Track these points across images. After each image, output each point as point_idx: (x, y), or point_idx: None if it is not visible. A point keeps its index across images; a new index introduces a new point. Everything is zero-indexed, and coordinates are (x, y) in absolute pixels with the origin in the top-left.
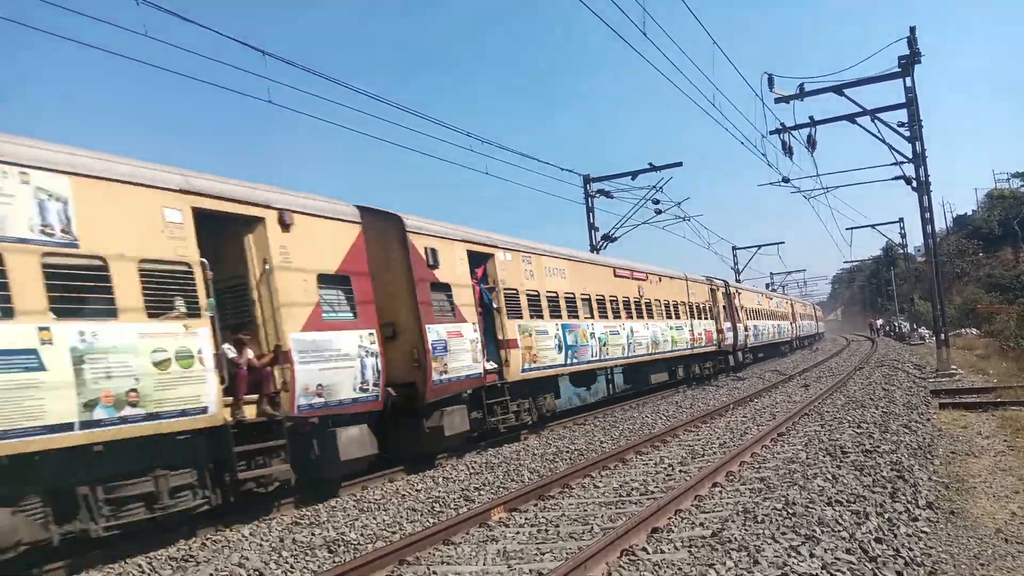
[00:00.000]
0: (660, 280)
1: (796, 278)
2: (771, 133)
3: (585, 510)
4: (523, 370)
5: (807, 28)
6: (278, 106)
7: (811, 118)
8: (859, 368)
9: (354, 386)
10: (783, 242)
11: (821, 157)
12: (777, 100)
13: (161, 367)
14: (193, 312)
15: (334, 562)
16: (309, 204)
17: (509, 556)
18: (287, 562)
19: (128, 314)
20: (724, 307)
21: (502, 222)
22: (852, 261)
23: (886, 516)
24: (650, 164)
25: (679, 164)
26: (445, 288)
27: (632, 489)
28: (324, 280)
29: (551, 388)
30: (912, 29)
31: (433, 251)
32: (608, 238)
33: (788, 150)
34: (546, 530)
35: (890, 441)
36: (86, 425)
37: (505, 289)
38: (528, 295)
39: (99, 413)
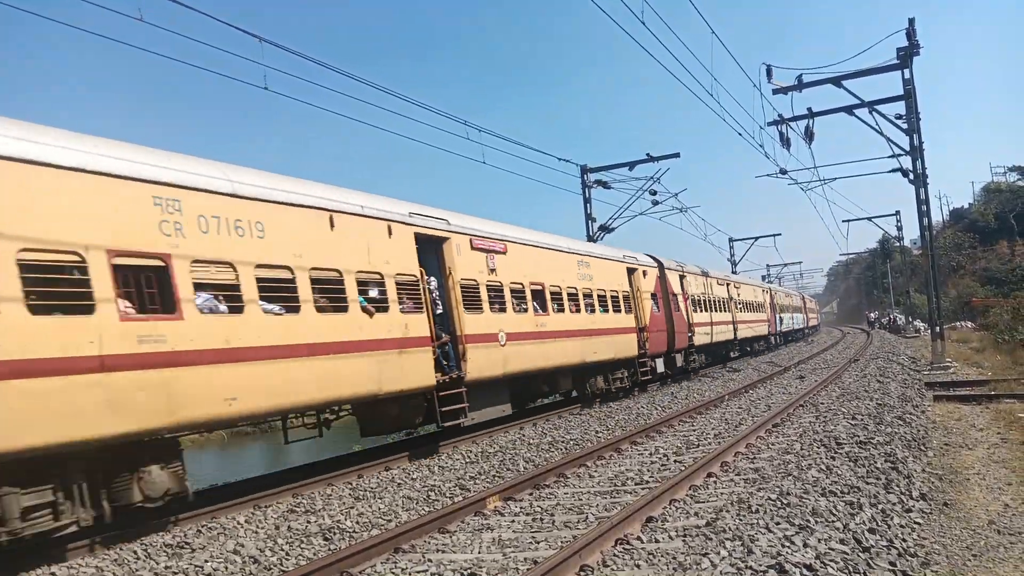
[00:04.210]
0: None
1: (792, 270)
2: (769, 124)
3: (580, 499)
4: None
5: (806, 18)
6: (274, 92)
7: (809, 109)
8: (854, 360)
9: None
10: (779, 234)
11: (818, 149)
12: (775, 91)
13: None
14: None
15: (329, 549)
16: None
17: (504, 544)
18: (282, 549)
19: None
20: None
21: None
22: (848, 254)
23: (880, 507)
24: (647, 154)
25: (676, 155)
26: None
27: (627, 479)
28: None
29: None
30: (911, 21)
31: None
32: (605, 228)
33: (786, 142)
34: (541, 519)
35: (884, 433)
36: None
37: None
38: None
39: None
